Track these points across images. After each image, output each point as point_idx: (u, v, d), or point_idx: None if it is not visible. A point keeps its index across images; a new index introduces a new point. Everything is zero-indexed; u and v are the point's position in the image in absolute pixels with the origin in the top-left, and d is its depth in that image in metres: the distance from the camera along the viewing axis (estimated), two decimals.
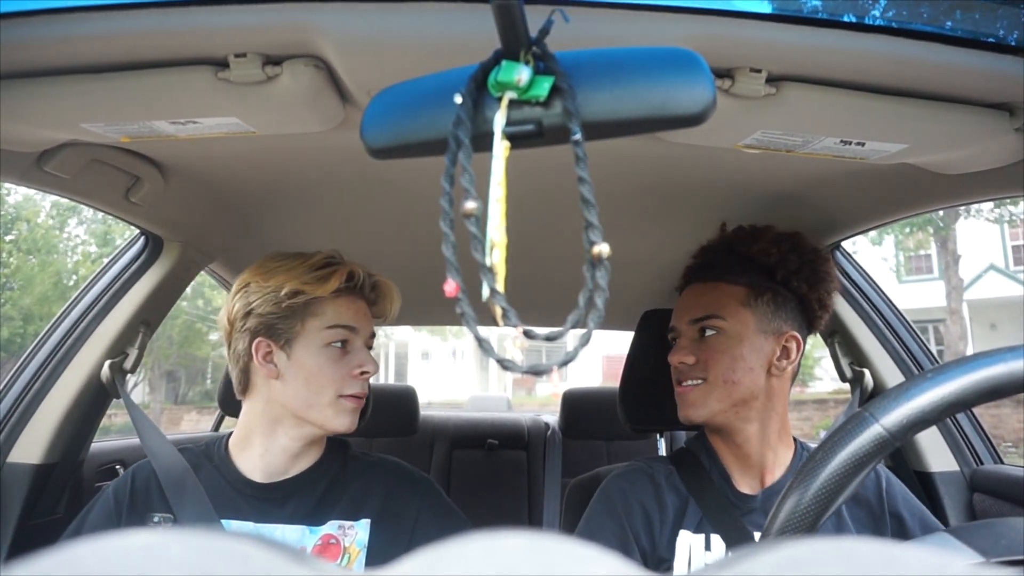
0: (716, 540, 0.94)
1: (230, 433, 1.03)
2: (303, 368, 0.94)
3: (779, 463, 0.99)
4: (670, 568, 0.93)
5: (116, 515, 0.95)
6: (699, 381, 0.97)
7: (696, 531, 0.95)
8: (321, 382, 0.94)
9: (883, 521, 0.95)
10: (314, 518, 0.96)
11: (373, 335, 1.03)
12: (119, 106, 0.76)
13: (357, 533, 0.98)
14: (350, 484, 1.01)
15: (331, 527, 0.97)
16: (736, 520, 0.94)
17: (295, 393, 0.94)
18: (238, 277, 1.00)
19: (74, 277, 13.27)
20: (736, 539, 0.92)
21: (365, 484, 1.02)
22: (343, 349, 0.97)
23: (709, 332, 0.98)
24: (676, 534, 0.95)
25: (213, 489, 0.96)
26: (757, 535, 0.93)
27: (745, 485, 0.99)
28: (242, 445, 0.99)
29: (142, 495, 0.96)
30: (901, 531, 0.94)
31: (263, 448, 0.97)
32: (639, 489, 1.00)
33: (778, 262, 0.99)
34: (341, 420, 0.96)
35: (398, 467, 1.07)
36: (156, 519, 0.94)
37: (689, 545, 0.94)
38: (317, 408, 0.94)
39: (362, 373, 0.97)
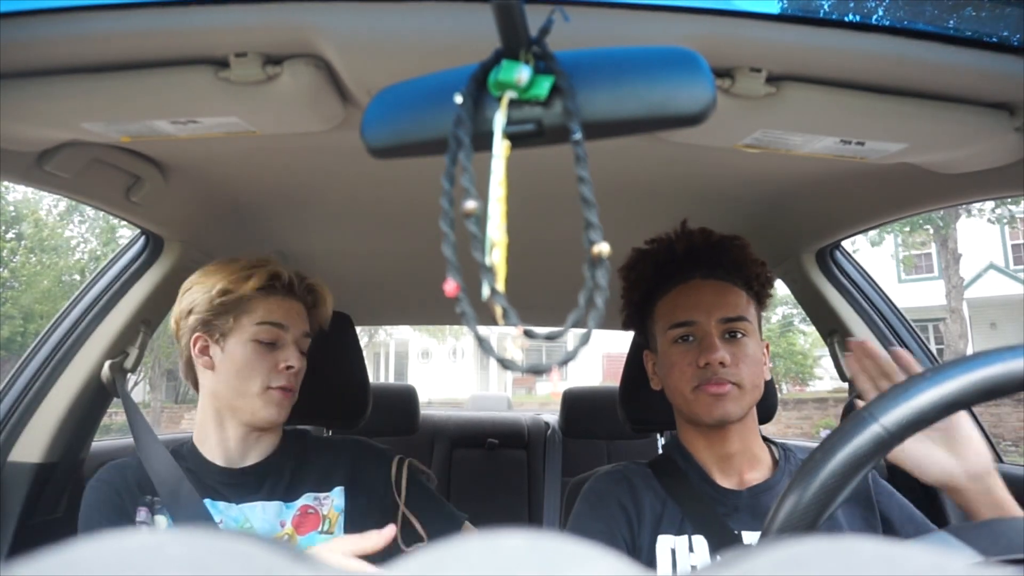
0: (699, 541, 0.93)
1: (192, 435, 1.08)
2: (234, 361, 1.01)
3: (760, 462, 1.00)
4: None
5: (121, 510, 0.99)
6: (731, 384, 0.94)
7: (678, 533, 0.95)
8: (249, 373, 1.00)
9: (875, 520, 0.95)
10: (288, 494, 1.03)
11: (307, 335, 1.08)
12: (119, 106, 0.76)
13: (333, 500, 1.05)
14: (316, 461, 1.08)
15: (306, 499, 1.03)
16: (718, 518, 0.93)
17: (227, 383, 1.01)
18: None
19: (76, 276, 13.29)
20: (719, 538, 0.92)
21: (331, 459, 1.09)
22: (272, 345, 1.02)
23: (738, 335, 0.97)
24: (655, 539, 0.95)
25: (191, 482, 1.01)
26: (747, 535, 0.93)
27: (726, 481, 0.99)
28: (201, 439, 1.05)
29: (134, 485, 1.01)
30: (890, 531, 0.95)
31: (217, 438, 1.03)
32: (617, 490, 1.00)
33: (757, 275, 1.03)
34: (268, 411, 1.01)
35: (360, 442, 1.15)
36: (148, 498, 0.99)
37: (671, 549, 0.94)
38: (247, 398, 1.00)
39: (287, 367, 1.02)
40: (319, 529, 1.01)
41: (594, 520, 0.98)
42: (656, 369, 1.06)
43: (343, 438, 1.15)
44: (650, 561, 0.94)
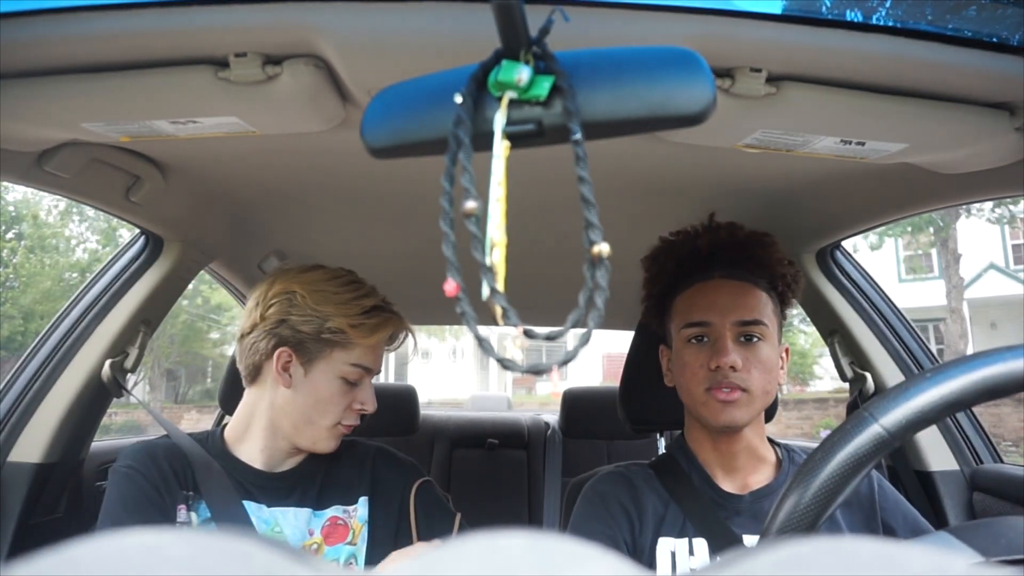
0: (699, 544, 0.93)
1: (222, 428, 1.05)
2: (316, 390, 0.98)
3: (764, 464, 1.00)
4: None
5: (157, 492, 0.93)
6: (741, 390, 0.93)
7: (679, 536, 0.94)
8: (327, 408, 0.99)
9: (876, 527, 0.95)
10: (318, 503, 1.02)
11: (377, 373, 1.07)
12: (119, 106, 0.76)
13: (358, 511, 1.05)
14: (343, 470, 1.07)
15: (335, 510, 1.03)
16: (720, 522, 0.93)
17: (300, 408, 0.98)
18: (283, 276, 1.01)
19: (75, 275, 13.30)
20: (720, 541, 0.92)
21: (355, 467, 1.08)
22: (354, 385, 1.01)
23: (753, 339, 0.95)
24: (656, 541, 0.95)
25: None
26: (746, 538, 0.93)
27: (728, 485, 0.98)
28: (241, 436, 1.02)
29: (170, 475, 0.96)
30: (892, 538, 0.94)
31: (264, 443, 1.01)
32: (619, 491, 1.00)
33: (783, 275, 1.00)
34: (330, 443, 1.01)
35: (383, 452, 1.14)
36: (187, 493, 0.95)
37: (671, 551, 0.93)
38: (315, 428, 0.99)
39: (362, 409, 1.02)
40: (347, 540, 1.02)
41: (595, 521, 0.98)
42: (670, 366, 1.06)
43: (368, 444, 1.14)
44: (651, 563, 0.94)
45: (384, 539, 1.04)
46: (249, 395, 1.03)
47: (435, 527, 1.06)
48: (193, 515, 0.95)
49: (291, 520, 0.99)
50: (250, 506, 0.97)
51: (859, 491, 0.97)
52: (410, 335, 1.08)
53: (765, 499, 0.96)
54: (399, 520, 1.06)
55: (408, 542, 1.04)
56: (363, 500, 1.05)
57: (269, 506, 0.99)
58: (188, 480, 0.96)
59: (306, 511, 1.00)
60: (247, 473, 0.99)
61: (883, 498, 0.97)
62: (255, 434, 1.01)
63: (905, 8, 0.67)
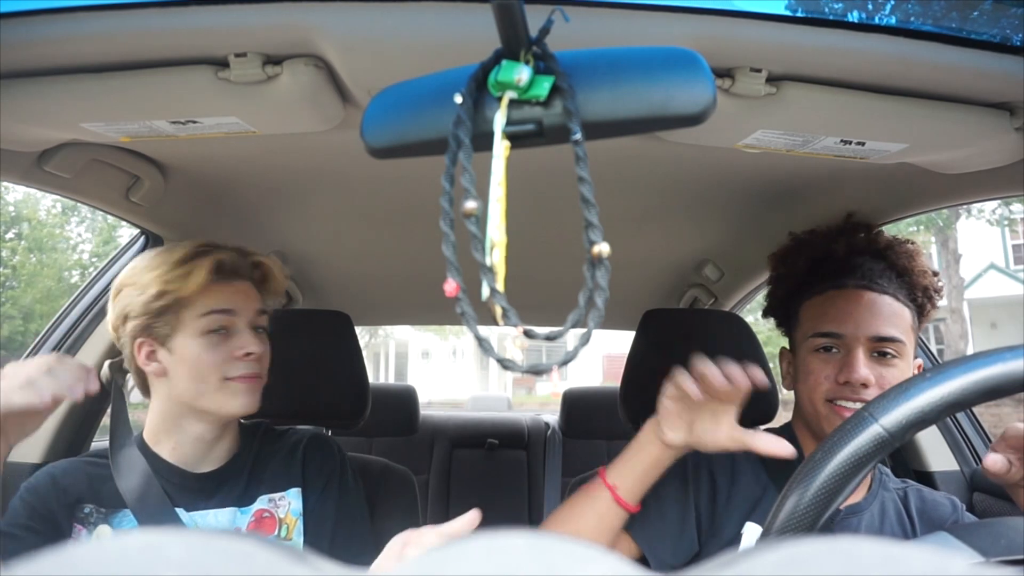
0: None
1: (141, 432, 1.02)
2: (185, 360, 0.93)
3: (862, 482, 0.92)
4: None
5: (39, 517, 0.91)
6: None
7: None
8: (203, 370, 0.93)
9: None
10: (243, 499, 0.98)
11: (262, 312, 1.01)
12: (119, 106, 0.76)
13: (290, 503, 1.00)
14: (271, 460, 1.03)
15: (262, 502, 0.99)
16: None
17: (184, 386, 0.94)
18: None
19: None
20: None
21: (285, 456, 1.04)
22: (224, 334, 0.95)
23: (888, 355, 0.88)
24: (743, 524, 0.89)
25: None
26: None
27: None
28: (153, 442, 0.98)
29: (73, 493, 0.94)
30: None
31: (174, 442, 0.97)
32: (715, 459, 0.93)
33: (925, 287, 0.93)
34: (235, 402, 0.94)
35: (316, 438, 1.09)
36: (87, 509, 0.93)
37: (757, 539, 0.90)
38: (207, 396, 0.93)
39: (246, 354, 0.95)
40: (275, 534, 0.97)
41: (675, 479, 0.91)
42: (789, 369, 1.00)
43: (302, 431, 1.10)
44: (731, 542, 0.89)
45: (324, 532, 1.00)
46: (151, 404, 0.99)
47: (353, 514, 1.03)
48: (104, 527, 0.91)
49: (211, 524, 0.95)
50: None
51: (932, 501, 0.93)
52: (246, 259, 1.00)
53: (852, 517, 0.90)
54: (339, 506, 1.02)
55: (346, 531, 1.01)
56: (295, 491, 1.01)
57: (188, 511, 0.94)
58: (104, 495, 0.93)
59: (228, 511, 0.96)
60: (171, 474, 0.96)
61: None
62: (162, 439, 0.97)
63: (905, 8, 0.67)
